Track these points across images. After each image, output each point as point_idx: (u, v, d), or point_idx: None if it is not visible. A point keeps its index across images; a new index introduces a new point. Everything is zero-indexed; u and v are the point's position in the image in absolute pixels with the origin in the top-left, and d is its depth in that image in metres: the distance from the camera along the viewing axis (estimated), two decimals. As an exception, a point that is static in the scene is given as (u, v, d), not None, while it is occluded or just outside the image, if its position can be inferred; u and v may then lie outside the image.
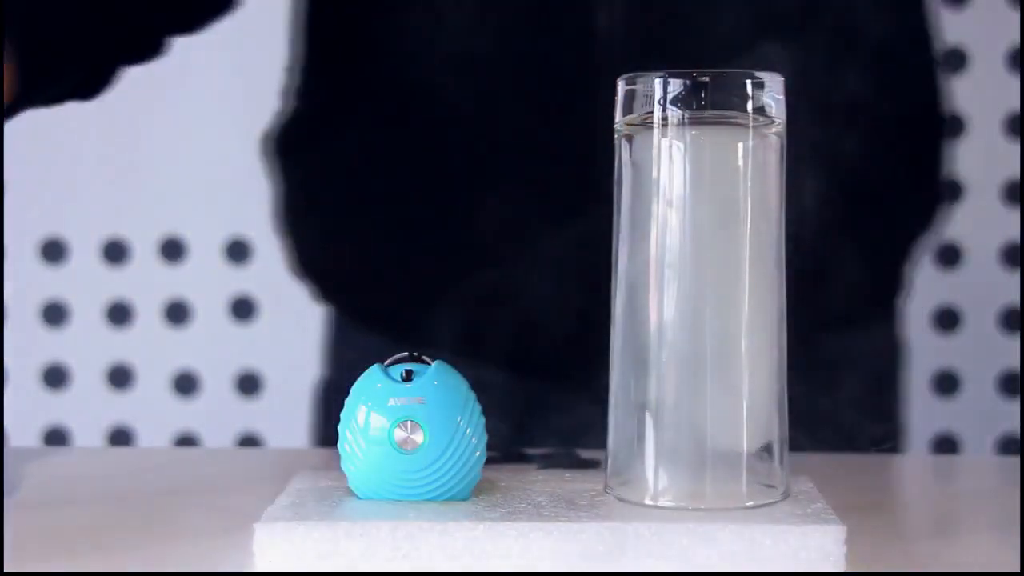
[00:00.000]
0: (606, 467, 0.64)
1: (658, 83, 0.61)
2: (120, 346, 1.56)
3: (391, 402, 0.62)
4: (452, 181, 0.93)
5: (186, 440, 1.56)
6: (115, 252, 1.55)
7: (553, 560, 0.58)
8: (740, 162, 0.61)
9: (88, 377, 1.56)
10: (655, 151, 0.62)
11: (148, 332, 1.56)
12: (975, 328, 1.50)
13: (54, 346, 1.56)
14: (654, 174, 0.62)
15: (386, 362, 0.63)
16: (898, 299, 1.04)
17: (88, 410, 1.57)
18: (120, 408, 1.56)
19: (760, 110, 0.62)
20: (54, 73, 0.86)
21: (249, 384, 1.55)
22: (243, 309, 1.54)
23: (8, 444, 0.82)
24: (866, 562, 0.60)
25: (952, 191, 1.49)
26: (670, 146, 0.61)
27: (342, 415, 0.63)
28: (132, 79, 1.57)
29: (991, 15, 1.47)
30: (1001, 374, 1.50)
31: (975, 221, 1.49)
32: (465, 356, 0.73)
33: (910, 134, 0.97)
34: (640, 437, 0.62)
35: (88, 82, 0.90)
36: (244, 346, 1.55)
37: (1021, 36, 1.44)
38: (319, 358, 1.03)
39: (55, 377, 1.56)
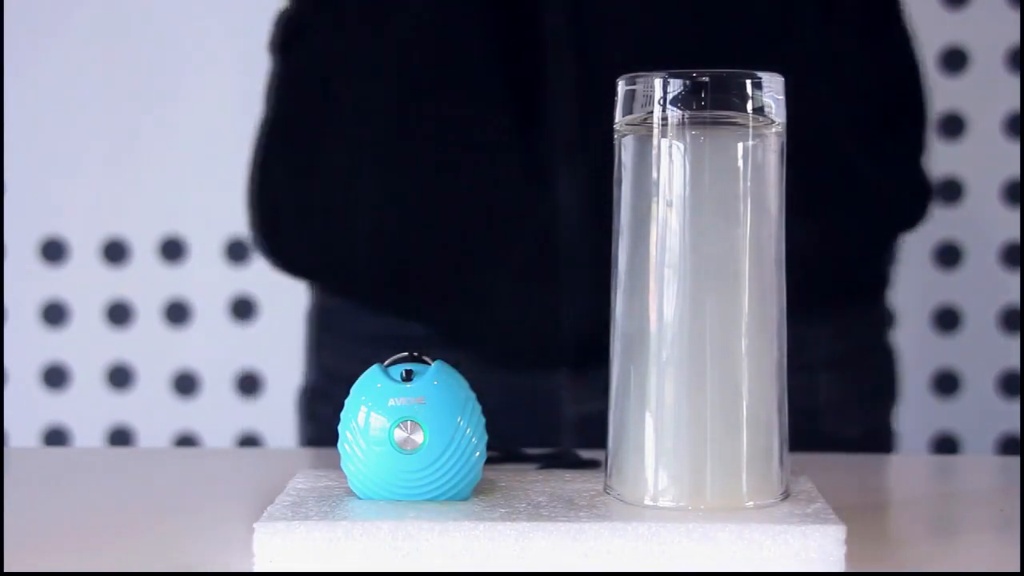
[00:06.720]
0: (606, 467, 0.64)
1: (658, 83, 0.61)
2: (120, 346, 1.56)
3: (391, 402, 0.62)
4: None
5: (186, 440, 1.56)
6: (115, 252, 1.55)
7: (553, 560, 0.58)
8: (740, 162, 0.61)
9: (88, 377, 1.56)
10: (655, 151, 0.62)
11: (148, 332, 1.56)
12: (975, 328, 1.50)
13: (54, 346, 1.56)
14: (654, 174, 0.62)
15: (386, 362, 0.63)
16: (885, 296, 1.03)
17: (88, 410, 1.56)
18: (120, 408, 1.56)
19: (760, 110, 0.62)
20: None
21: (249, 384, 1.55)
22: (243, 309, 1.54)
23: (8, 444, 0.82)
24: (866, 562, 0.60)
25: (952, 191, 1.49)
26: (670, 146, 0.61)
27: (342, 415, 0.63)
28: (132, 80, 1.57)
29: (991, 15, 1.47)
30: (1001, 374, 1.50)
31: (975, 221, 1.49)
32: None
33: (894, 131, 0.97)
34: (640, 437, 0.62)
35: None
36: (244, 346, 1.55)
37: (1021, 36, 1.44)
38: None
39: (55, 377, 1.56)
